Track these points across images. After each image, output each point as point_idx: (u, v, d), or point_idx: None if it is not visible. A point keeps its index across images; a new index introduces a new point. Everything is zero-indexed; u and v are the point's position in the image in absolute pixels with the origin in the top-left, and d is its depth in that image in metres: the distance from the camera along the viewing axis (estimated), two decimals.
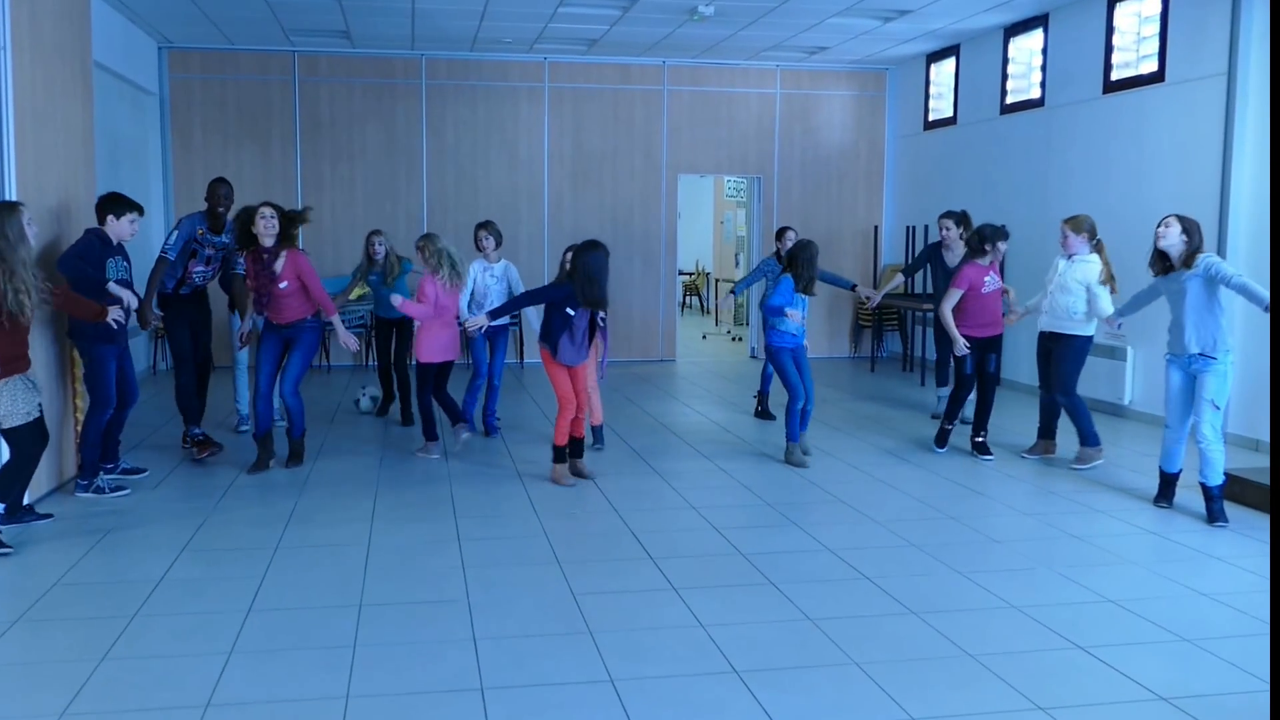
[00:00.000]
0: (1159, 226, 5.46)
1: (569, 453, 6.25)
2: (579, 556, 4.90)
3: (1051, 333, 6.72)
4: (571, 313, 5.98)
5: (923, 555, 4.93)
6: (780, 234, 8.51)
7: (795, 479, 6.45)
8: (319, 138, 11.10)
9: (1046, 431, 6.96)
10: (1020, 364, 9.49)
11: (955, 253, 7.88)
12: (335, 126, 11.12)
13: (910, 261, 9.35)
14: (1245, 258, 7.04)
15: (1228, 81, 7.11)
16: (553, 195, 11.66)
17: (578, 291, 5.93)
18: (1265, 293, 5.11)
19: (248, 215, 6.30)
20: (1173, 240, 5.41)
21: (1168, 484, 5.75)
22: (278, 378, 6.47)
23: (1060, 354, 6.65)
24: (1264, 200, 6.91)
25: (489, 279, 7.27)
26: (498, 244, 7.36)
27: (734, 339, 14.49)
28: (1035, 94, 9.54)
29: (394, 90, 11.20)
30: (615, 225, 11.66)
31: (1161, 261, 5.51)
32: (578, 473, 6.31)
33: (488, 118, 11.43)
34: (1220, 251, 7.12)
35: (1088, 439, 6.62)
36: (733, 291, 9.03)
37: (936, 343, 8.35)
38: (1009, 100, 9.98)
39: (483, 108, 11.40)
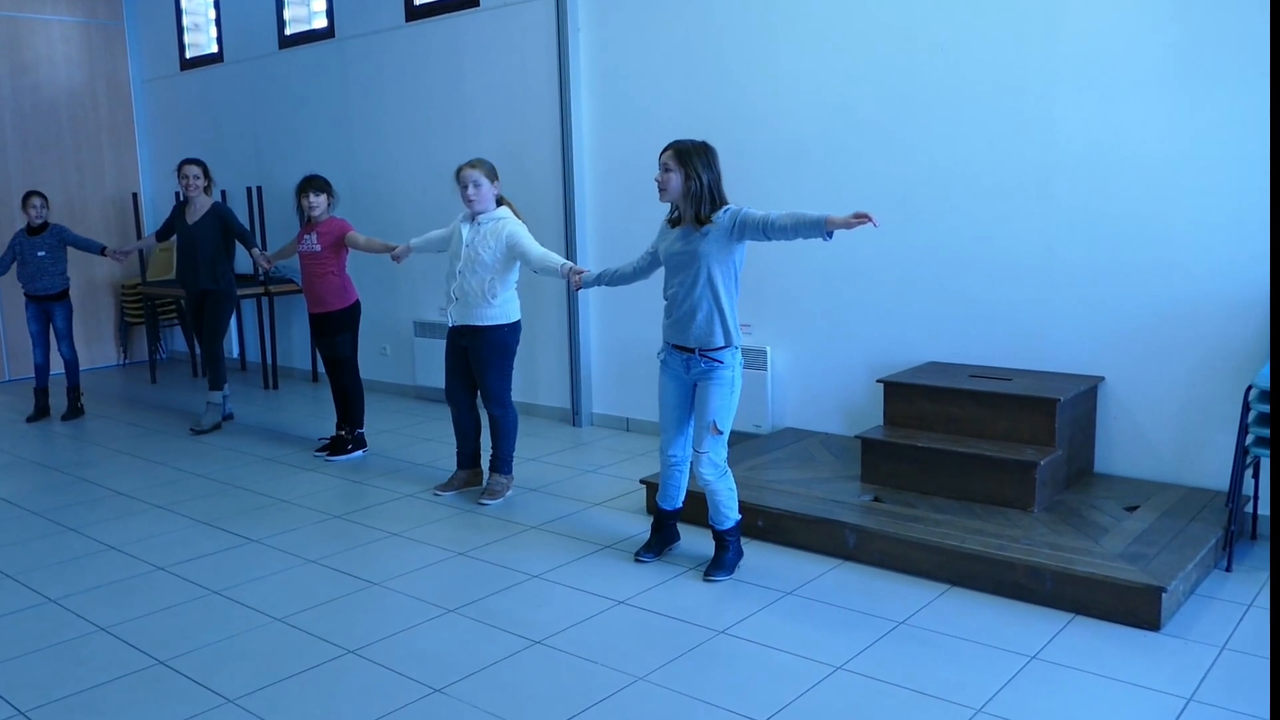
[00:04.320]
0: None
1: None
2: None
3: (462, 327, 4.95)
4: None
5: None
6: (28, 203, 7.13)
7: None
8: None
9: (469, 459, 5.27)
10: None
11: (198, 206, 6.66)
12: None
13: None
14: (591, 218, 6.37)
15: (557, 4, 6.28)
16: None
17: None
18: (814, 211, 3.67)
19: None
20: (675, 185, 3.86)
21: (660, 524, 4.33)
22: None
23: (477, 355, 4.96)
24: (604, 138, 6.27)
25: None
26: None
27: None
28: (322, 23, 7.96)
29: None
30: None
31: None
32: None
33: None
34: (568, 210, 6.36)
35: (504, 464, 5.14)
36: None
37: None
38: (289, 31, 8.25)
39: None
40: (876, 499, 4.42)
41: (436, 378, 7.31)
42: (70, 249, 7.28)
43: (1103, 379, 4.65)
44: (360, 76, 7.68)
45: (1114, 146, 4.50)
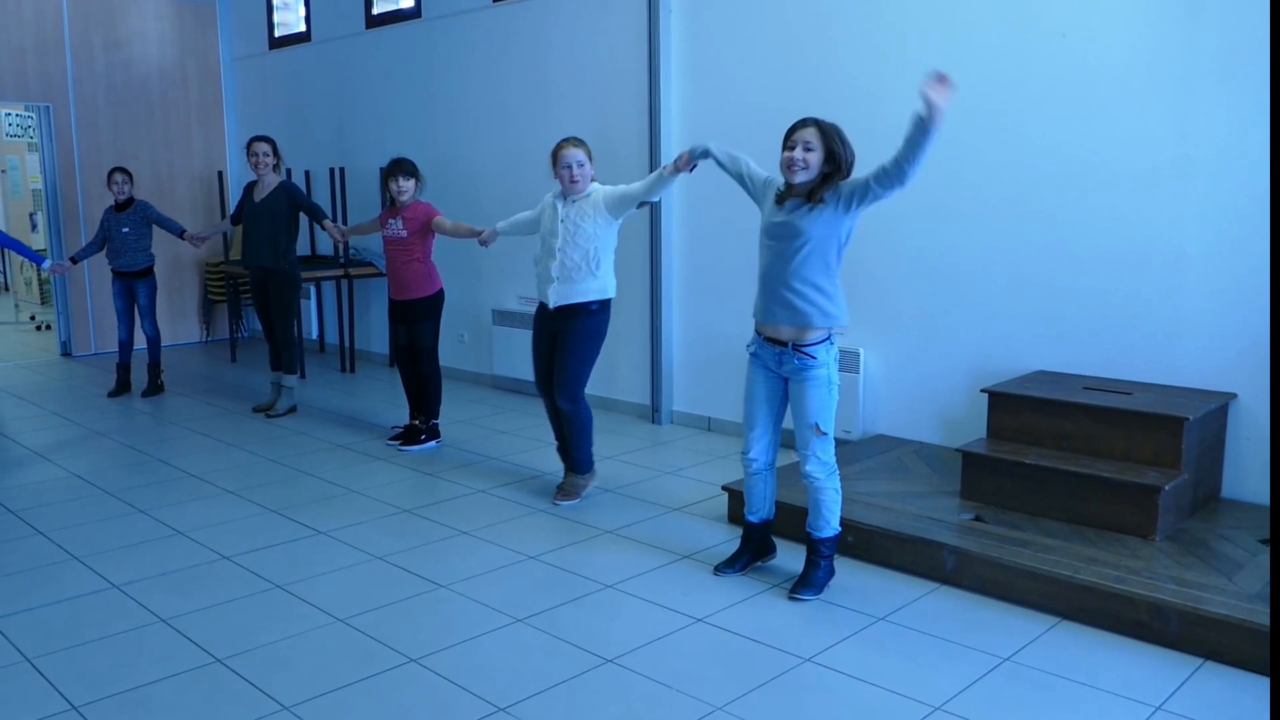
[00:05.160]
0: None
1: None
2: None
3: (556, 310, 4.67)
4: None
5: None
6: (111, 179, 7.14)
7: None
8: None
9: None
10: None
11: (266, 184, 6.52)
12: None
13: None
14: (678, 203, 6.11)
15: None
16: None
17: None
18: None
19: None
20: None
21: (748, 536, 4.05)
22: None
23: (565, 340, 4.69)
24: (694, 121, 6.00)
25: None
26: None
27: (40, 327, 10.86)
28: (409, 3, 7.83)
29: None
30: None
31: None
32: None
33: None
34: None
35: (581, 463, 4.87)
36: (74, 259, 7.32)
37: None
38: (376, 10, 8.14)
39: None
40: (978, 518, 4.09)
41: (514, 367, 7.14)
42: (155, 227, 7.29)
43: (1235, 396, 4.23)
44: (445, 57, 7.52)
45: (1260, 140, 4.07)
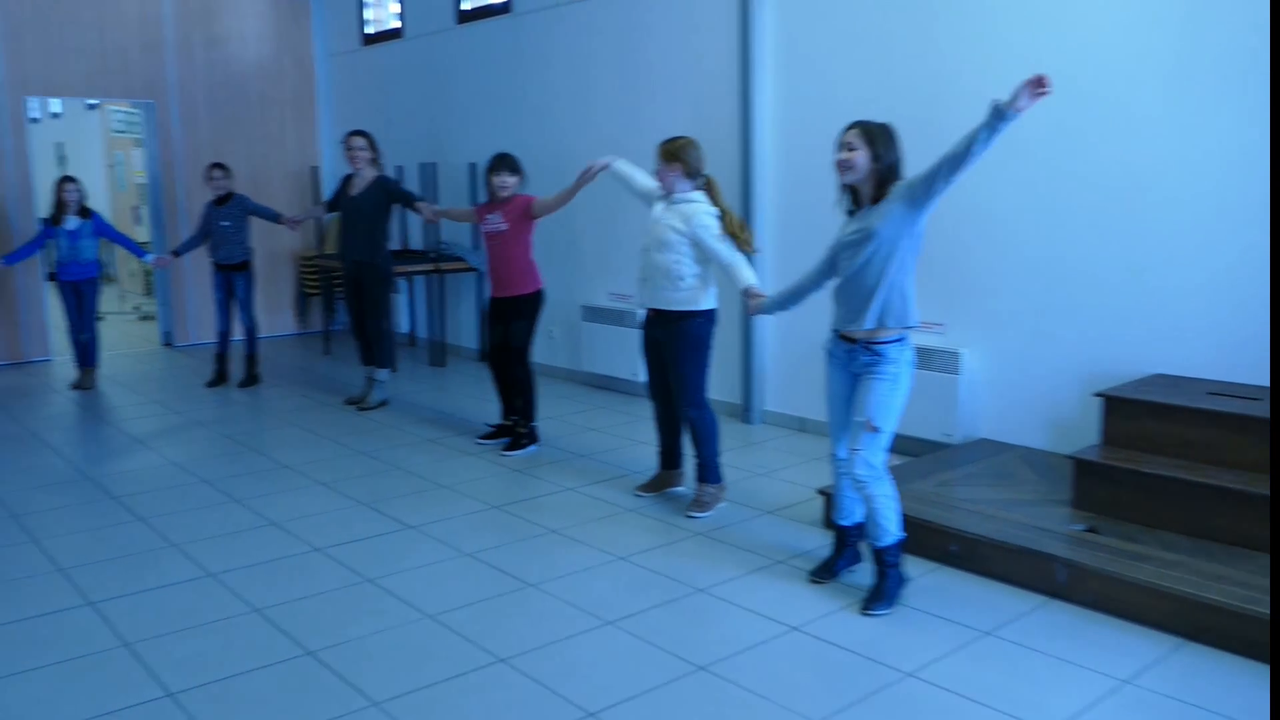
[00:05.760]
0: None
1: None
2: None
3: (653, 316, 4.62)
4: None
5: None
6: (210, 174, 7.33)
7: None
8: None
9: (668, 458, 4.91)
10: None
11: (362, 178, 6.50)
12: None
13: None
14: (771, 201, 5.97)
15: None
16: None
17: None
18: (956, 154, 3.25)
19: None
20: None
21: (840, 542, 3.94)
22: None
23: (669, 348, 4.59)
24: (788, 119, 5.85)
25: None
26: None
27: (143, 317, 11.19)
28: None
29: None
30: None
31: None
32: None
33: None
34: (747, 191, 5.97)
35: (709, 471, 4.68)
36: (176, 253, 7.69)
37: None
38: (467, 6, 8.16)
39: None
40: (1091, 529, 3.88)
41: (604, 364, 7.08)
42: (254, 219, 7.42)
43: None
44: (535, 52, 7.49)
45: None
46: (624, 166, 4.87)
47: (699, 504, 4.62)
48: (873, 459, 3.54)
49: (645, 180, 4.76)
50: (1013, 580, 3.75)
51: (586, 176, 4.97)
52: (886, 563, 3.62)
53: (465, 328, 8.64)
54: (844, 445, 3.74)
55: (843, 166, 3.50)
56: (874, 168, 3.46)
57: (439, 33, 8.43)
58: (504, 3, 7.76)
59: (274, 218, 7.35)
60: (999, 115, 3.13)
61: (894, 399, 3.52)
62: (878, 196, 3.48)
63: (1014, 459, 4.77)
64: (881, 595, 3.60)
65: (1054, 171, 4.68)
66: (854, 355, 3.57)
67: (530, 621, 3.54)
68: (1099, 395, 4.26)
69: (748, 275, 4.34)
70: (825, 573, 3.86)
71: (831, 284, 3.72)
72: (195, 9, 9.17)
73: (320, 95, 9.94)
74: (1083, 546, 3.71)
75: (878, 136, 3.48)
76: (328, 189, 9.68)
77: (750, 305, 4.20)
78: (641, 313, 4.77)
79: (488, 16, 7.92)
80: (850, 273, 3.53)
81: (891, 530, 3.59)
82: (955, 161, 3.25)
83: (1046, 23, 4.71)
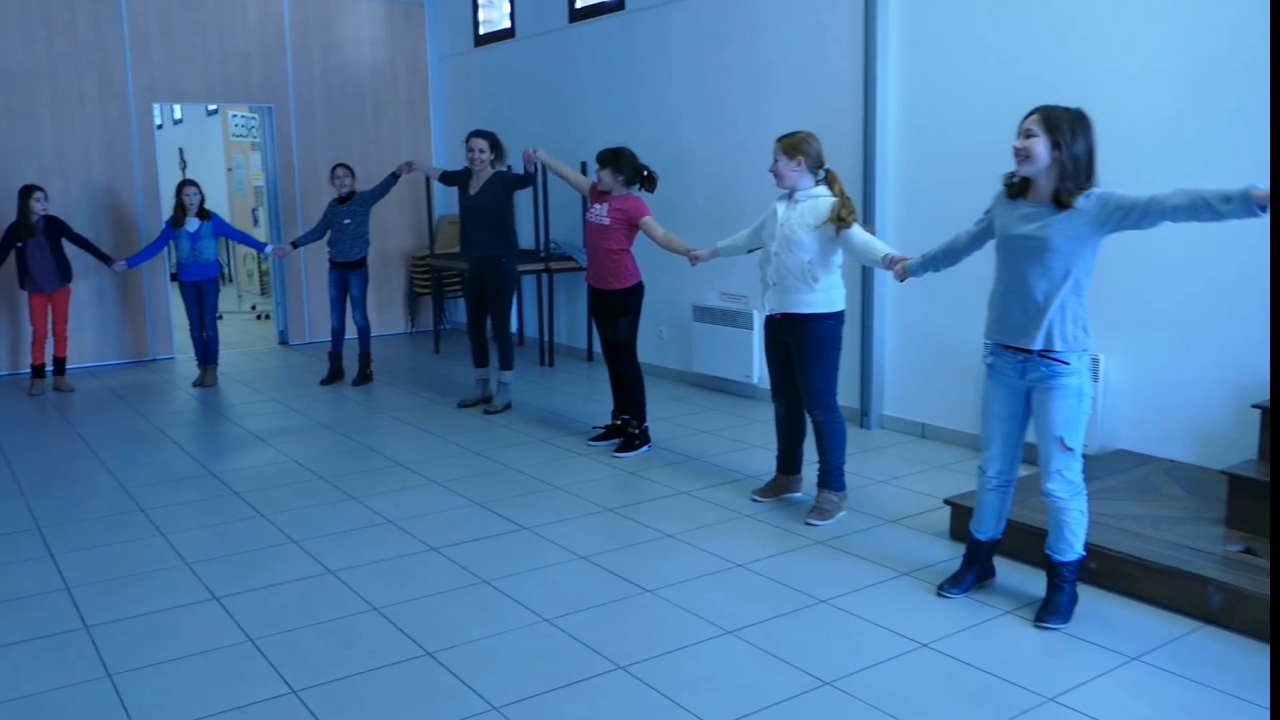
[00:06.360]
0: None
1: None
2: None
3: (780, 318, 4.47)
4: None
5: None
6: (334, 174, 7.51)
7: None
8: None
9: (788, 463, 4.79)
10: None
11: (481, 177, 6.42)
12: None
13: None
14: (893, 198, 5.78)
15: None
16: None
17: None
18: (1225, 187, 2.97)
19: None
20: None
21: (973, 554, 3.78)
22: None
23: (798, 351, 4.46)
24: (914, 117, 5.65)
25: None
26: None
27: (260, 316, 11.52)
28: None
29: None
30: (64, 174, 8.28)
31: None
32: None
33: None
34: (868, 188, 5.79)
35: (833, 478, 4.55)
36: (295, 244, 7.88)
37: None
38: (579, 4, 8.14)
39: None
40: (1249, 550, 3.61)
41: (715, 365, 6.98)
42: (373, 214, 7.57)
43: None
44: (648, 49, 7.43)
45: None
46: (725, 244, 4.94)
47: (819, 511, 4.47)
48: (1071, 475, 3.36)
49: (744, 232, 4.78)
50: (1160, 603, 3.52)
51: (693, 259, 5.07)
52: (1065, 577, 3.45)
53: (575, 327, 8.63)
54: (1000, 462, 3.55)
55: (1020, 155, 3.25)
56: (1055, 157, 3.20)
57: (551, 32, 8.44)
58: (617, 1, 7.72)
59: (393, 179, 7.41)
60: (1247, 208, 2.85)
61: (1080, 412, 3.32)
62: (1059, 193, 3.22)
63: (1157, 472, 4.49)
64: (1058, 609, 3.43)
65: (1208, 163, 4.40)
66: (1026, 366, 3.35)
67: (649, 629, 3.46)
68: (1257, 407, 3.97)
69: (883, 245, 4.22)
70: (955, 586, 3.68)
71: (960, 270, 3.53)
72: (313, 15, 9.38)
73: (434, 97, 10.07)
74: (1239, 569, 3.46)
75: (1061, 123, 3.19)
76: (439, 190, 9.81)
77: (896, 271, 3.99)
78: (760, 314, 4.65)
79: (601, 14, 7.89)
80: (1015, 279, 3.31)
81: (1076, 548, 3.43)
82: (1171, 215, 3.04)
83: (1192, 9, 4.43)
